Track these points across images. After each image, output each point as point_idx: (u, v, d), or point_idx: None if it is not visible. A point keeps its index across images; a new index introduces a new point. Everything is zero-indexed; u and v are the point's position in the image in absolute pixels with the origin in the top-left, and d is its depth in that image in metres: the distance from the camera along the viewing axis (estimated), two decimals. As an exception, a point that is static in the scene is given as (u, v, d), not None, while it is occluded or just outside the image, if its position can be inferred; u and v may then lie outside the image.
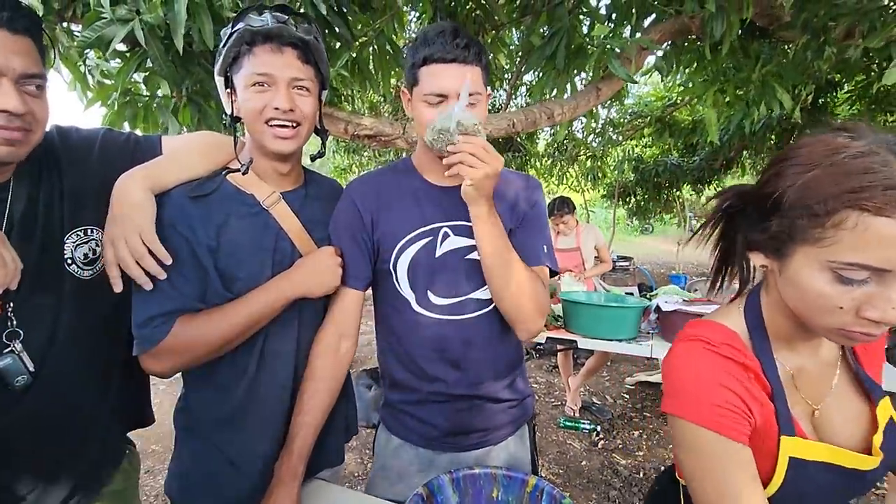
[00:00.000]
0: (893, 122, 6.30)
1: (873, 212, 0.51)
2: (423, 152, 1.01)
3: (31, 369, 0.80)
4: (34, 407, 0.82)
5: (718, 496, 0.62)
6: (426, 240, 0.98)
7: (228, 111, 0.94)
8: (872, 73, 3.62)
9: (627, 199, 9.95)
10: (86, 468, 0.92)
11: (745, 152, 7.08)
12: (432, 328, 0.99)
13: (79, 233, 0.87)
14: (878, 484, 0.73)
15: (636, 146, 8.41)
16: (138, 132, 1.80)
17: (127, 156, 0.92)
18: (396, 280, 0.99)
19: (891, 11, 1.99)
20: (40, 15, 1.32)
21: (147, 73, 1.69)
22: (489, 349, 1.01)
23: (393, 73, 2.30)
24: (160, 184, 0.87)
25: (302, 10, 1.60)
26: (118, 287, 0.82)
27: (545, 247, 1.03)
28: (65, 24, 1.58)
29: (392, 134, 2.04)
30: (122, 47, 1.57)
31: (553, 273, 1.05)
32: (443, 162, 0.88)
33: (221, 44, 0.90)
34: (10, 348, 0.78)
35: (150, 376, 1.06)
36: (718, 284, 0.76)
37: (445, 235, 0.99)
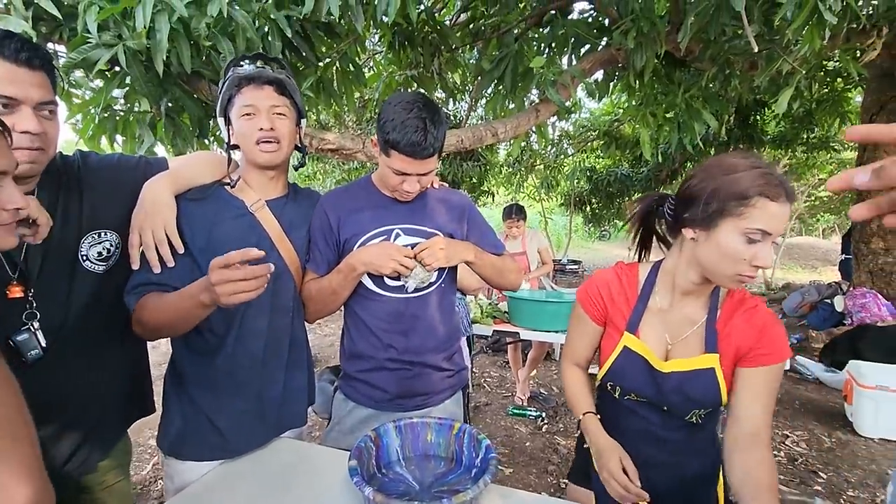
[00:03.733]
0: (814, 138, 7.02)
1: (771, 197, 0.86)
2: (380, 175, 1.27)
3: (44, 345, 0.96)
4: (43, 378, 0.97)
5: (567, 340, 1.22)
6: (382, 238, 1.23)
7: (227, 141, 1.19)
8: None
9: (583, 207, 10.49)
10: (84, 440, 1.06)
11: (688, 164, 7.68)
12: (387, 305, 1.25)
13: (94, 235, 1.05)
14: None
15: (589, 157, 8.90)
16: (125, 150, 1.98)
17: (139, 174, 1.12)
18: None
19: (768, 51, 2.37)
20: (33, 39, 1.50)
21: (127, 90, 1.86)
22: (431, 321, 1.28)
23: (354, 88, 2.54)
24: (180, 188, 1.11)
25: (269, 36, 1.82)
26: (136, 265, 1.04)
27: (494, 234, 1.41)
28: (50, 46, 1.74)
29: (353, 148, 2.27)
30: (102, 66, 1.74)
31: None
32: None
33: (218, 91, 1.16)
34: (27, 326, 0.95)
35: (151, 368, 1.27)
36: (640, 257, 1.17)
37: (397, 235, 1.25)
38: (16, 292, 0.94)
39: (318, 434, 2.73)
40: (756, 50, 2.08)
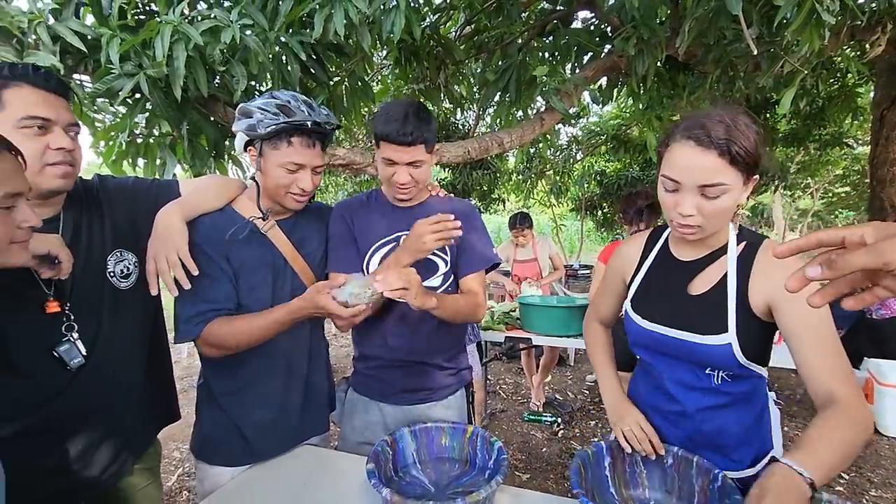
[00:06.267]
0: (826, 134, 6.94)
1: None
2: (381, 177, 1.33)
3: (84, 353, 1.04)
4: (85, 384, 1.05)
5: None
6: (392, 245, 1.30)
7: (252, 167, 1.19)
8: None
9: (594, 212, 10.45)
10: (122, 444, 1.14)
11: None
12: (396, 309, 1.30)
13: (117, 253, 1.13)
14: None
15: (598, 162, 8.89)
16: (146, 173, 2.08)
17: (151, 197, 1.21)
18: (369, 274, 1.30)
19: (770, 52, 2.38)
20: (60, 72, 1.60)
21: (148, 115, 1.96)
22: (435, 325, 1.31)
23: (363, 103, 2.61)
24: (190, 215, 1.15)
25: (286, 60, 1.90)
26: (154, 291, 1.09)
27: (491, 245, 1.41)
28: (76, 77, 1.84)
29: (363, 162, 2.33)
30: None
31: (495, 265, 1.40)
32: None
33: (256, 117, 1.12)
34: (67, 337, 1.03)
35: (174, 377, 1.34)
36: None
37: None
38: (53, 307, 1.01)
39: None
40: (756, 52, 2.10)
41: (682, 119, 0.92)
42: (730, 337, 0.95)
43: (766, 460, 1.03)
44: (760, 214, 13.06)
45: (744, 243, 1.00)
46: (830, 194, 11.48)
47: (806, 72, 2.51)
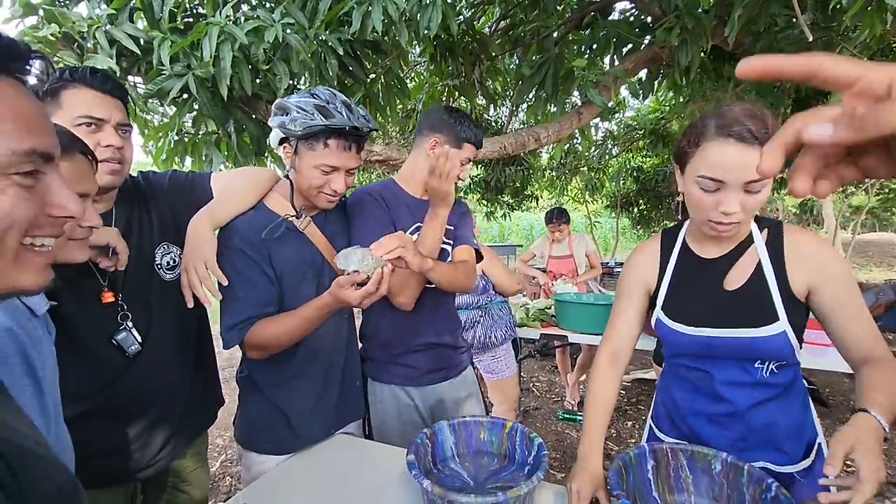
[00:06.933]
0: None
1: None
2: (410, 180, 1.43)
3: (139, 341, 1.10)
4: (142, 370, 1.11)
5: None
6: (416, 234, 1.32)
7: (286, 164, 1.18)
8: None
9: (630, 209, 10.19)
10: (175, 428, 1.19)
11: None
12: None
13: (164, 246, 1.18)
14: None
15: (635, 157, 8.66)
16: (193, 170, 2.17)
17: (187, 188, 1.25)
18: None
19: (825, 38, 2.26)
20: (116, 73, 1.68)
21: (195, 115, 2.04)
22: (448, 308, 1.49)
23: (398, 100, 2.63)
24: (219, 221, 1.16)
25: (324, 57, 1.93)
26: (190, 304, 1.09)
27: (473, 237, 1.51)
28: (130, 79, 1.93)
29: (399, 158, 2.35)
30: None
31: (479, 255, 1.50)
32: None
33: (292, 115, 1.10)
34: (123, 326, 1.09)
35: (217, 364, 1.39)
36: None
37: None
38: (108, 298, 1.07)
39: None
40: (811, 39, 1.99)
41: (706, 117, 0.90)
42: (783, 325, 0.94)
43: (814, 451, 1.02)
44: (809, 211, 12.40)
45: (766, 229, 1.00)
46: (887, 190, 10.79)
47: (865, 59, 2.37)
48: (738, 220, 0.90)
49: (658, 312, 1.09)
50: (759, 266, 0.98)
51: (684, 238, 1.10)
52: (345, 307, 1.15)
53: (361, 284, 1.04)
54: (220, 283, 1.12)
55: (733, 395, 1.02)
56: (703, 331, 1.01)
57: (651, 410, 1.25)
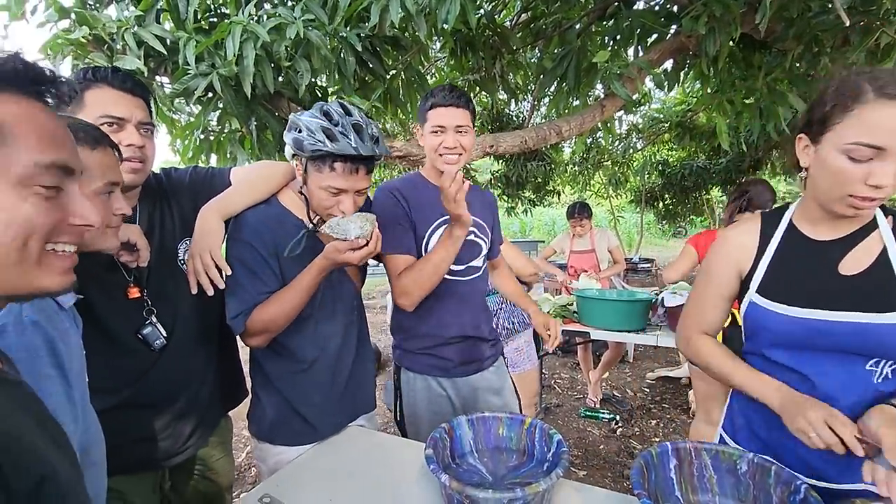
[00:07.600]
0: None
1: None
2: (431, 170, 1.43)
3: (164, 335, 1.13)
4: (168, 363, 1.14)
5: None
6: (445, 227, 1.31)
7: (298, 179, 1.18)
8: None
9: (655, 204, 9.97)
10: (199, 418, 1.23)
11: (773, 152, 7.05)
12: (451, 287, 1.40)
13: (186, 241, 1.20)
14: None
15: (660, 150, 8.46)
16: (214, 166, 2.21)
17: (207, 183, 1.27)
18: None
19: (863, 23, 2.16)
20: (144, 73, 1.72)
21: (220, 113, 2.07)
22: (480, 299, 1.51)
23: (419, 96, 2.63)
24: (229, 212, 1.18)
25: (342, 53, 1.94)
26: (194, 290, 1.12)
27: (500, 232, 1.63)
28: (157, 79, 1.98)
29: (419, 154, 2.35)
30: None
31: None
32: None
33: (301, 134, 1.08)
34: (149, 320, 1.12)
35: (240, 358, 1.42)
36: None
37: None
38: (134, 293, 1.10)
39: (381, 422, 2.91)
40: (848, 24, 1.90)
41: (854, 80, 0.81)
42: None
43: None
44: None
45: (890, 217, 0.91)
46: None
47: (907, 44, 2.25)
48: (885, 196, 0.82)
49: (752, 295, 0.99)
50: (883, 252, 0.89)
51: (790, 219, 1.00)
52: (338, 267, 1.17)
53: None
54: (224, 274, 1.14)
55: (837, 402, 0.87)
56: (811, 313, 0.90)
57: (722, 419, 1.14)
